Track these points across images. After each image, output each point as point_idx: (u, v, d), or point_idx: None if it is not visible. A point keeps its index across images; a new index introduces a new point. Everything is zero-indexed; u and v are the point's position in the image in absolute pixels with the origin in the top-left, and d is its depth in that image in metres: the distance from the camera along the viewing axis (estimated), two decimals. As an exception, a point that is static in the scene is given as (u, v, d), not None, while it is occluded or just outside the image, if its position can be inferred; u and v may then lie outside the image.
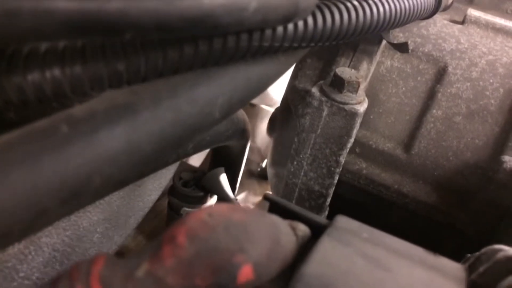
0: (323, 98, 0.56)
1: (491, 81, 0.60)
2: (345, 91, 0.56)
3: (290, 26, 0.35)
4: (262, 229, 0.26)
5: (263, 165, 1.11)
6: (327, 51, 0.65)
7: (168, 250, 0.23)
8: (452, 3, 0.69)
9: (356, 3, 0.40)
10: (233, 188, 0.71)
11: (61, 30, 0.22)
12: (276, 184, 0.73)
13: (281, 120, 0.72)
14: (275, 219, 0.29)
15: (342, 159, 0.59)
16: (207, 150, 0.87)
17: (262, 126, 1.05)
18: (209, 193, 0.69)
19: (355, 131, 0.58)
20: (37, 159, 0.23)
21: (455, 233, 0.60)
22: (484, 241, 0.53)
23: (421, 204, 0.61)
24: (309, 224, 0.35)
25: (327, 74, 0.62)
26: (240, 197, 1.05)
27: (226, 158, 0.71)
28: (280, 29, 0.34)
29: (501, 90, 0.59)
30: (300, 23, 0.35)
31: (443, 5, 0.61)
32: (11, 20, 0.21)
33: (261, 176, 1.11)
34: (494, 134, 0.58)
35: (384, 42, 0.62)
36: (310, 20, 0.36)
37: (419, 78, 0.62)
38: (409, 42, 0.61)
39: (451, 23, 0.66)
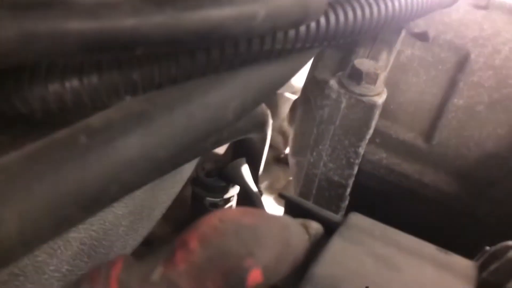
0: (341, 90, 0.56)
1: (514, 69, 0.58)
2: (363, 82, 0.56)
3: (302, 28, 0.35)
4: (272, 232, 0.27)
5: (287, 151, 1.12)
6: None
7: (181, 255, 0.25)
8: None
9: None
10: (255, 179, 0.72)
11: (75, 50, 0.23)
12: (297, 173, 0.74)
13: (300, 110, 0.72)
14: (286, 220, 0.30)
15: (362, 150, 0.60)
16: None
17: (284, 115, 1.06)
18: (231, 183, 0.70)
19: (374, 123, 0.58)
20: (58, 170, 0.25)
21: (475, 223, 0.59)
22: (505, 231, 0.53)
23: (442, 193, 0.61)
24: (323, 222, 0.36)
25: (347, 65, 0.62)
26: (264, 184, 1.07)
27: (247, 149, 0.72)
28: (292, 31, 0.34)
29: (525, 78, 0.58)
30: (313, 24, 0.36)
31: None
32: (28, 42, 0.22)
33: (286, 162, 1.12)
34: (517, 123, 0.57)
35: (404, 31, 0.62)
36: (322, 20, 0.36)
37: (440, 67, 0.61)
38: (429, 30, 0.60)
39: (474, 9, 0.64)
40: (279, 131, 1.08)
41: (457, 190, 0.59)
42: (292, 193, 0.67)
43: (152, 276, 0.24)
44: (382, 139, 0.63)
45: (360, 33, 0.40)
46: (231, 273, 0.25)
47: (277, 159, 1.11)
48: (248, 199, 0.68)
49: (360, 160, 0.60)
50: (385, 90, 0.58)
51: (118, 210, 0.47)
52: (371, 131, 0.58)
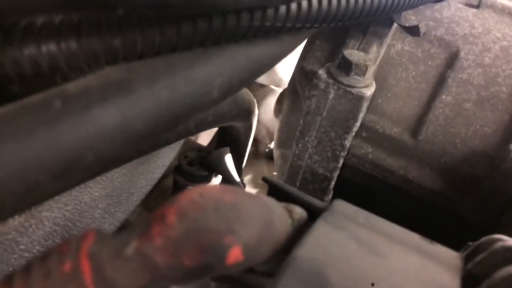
0: (330, 81, 0.55)
1: (503, 67, 0.58)
2: (352, 74, 0.55)
3: (293, 6, 0.34)
4: (253, 210, 0.26)
5: (271, 146, 1.11)
6: (337, 33, 0.64)
7: (158, 228, 0.23)
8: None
9: (364, -17, 0.39)
10: (238, 169, 0.71)
11: (53, 3, 0.22)
12: (282, 165, 0.73)
13: (288, 101, 0.71)
14: (269, 201, 0.29)
15: (348, 143, 0.59)
16: (215, 130, 0.87)
17: (271, 107, 1.05)
18: (214, 172, 0.69)
19: (361, 115, 0.57)
20: (29, 134, 0.23)
21: (459, 220, 0.59)
22: (487, 229, 0.53)
23: (426, 190, 0.60)
24: (307, 207, 0.35)
25: (336, 56, 0.61)
26: (248, 177, 1.06)
27: (231, 138, 0.71)
28: (282, 8, 0.33)
29: (514, 77, 0.58)
30: (304, 3, 0.35)
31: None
32: None
33: (269, 157, 1.11)
34: (504, 122, 0.57)
35: (395, 24, 0.61)
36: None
37: (429, 62, 0.61)
38: (420, 26, 0.60)
39: (466, 7, 0.64)
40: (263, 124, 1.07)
41: (441, 187, 0.59)
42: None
43: (126, 250, 0.23)
44: (368, 133, 0.62)
45: (353, 18, 0.39)
46: (209, 250, 0.23)
47: (261, 153, 1.10)
48: (231, 189, 0.67)
49: (345, 152, 0.60)
50: (373, 82, 0.57)
51: (95, 191, 0.46)
52: (358, 124, 0.58)
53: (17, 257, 0.39)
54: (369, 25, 0.61)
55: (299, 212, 0.33)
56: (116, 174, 0.48)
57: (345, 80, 0.55)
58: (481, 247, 0.34)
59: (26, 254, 0.40)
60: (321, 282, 0.26)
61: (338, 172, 0.61)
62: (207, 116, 0.50)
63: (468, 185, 0.58)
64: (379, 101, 0.62)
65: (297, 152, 0.62)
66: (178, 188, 0.71)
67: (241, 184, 0.69)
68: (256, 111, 0.68)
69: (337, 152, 0.60)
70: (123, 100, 0.26)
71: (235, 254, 0.24)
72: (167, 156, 0.56)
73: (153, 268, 0.23)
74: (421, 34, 0.60)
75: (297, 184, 0.64)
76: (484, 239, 0.35)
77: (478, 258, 0.32)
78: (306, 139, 0.60)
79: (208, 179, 0.69)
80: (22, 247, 0.40)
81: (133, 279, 0.23)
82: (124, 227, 0.57)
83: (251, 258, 0.25)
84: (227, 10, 0.30)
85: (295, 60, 0.67)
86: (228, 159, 0.66)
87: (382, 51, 0.62)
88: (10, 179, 0.22)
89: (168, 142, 0.46)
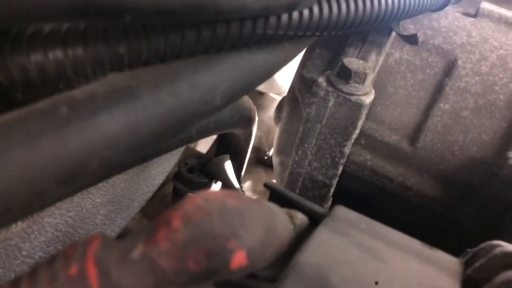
0: (330, 88, 0.56)
1: (500, 76, 0.59)
2: (352, 81, 0.56)
3: (295, 14, 0.34)
4: (257, 215, 0.26)
5: (270, 153, 1.11)
6: (336, 41, 0.65)
7: (163, 233, 0.24)
8: (465, -5, 0.68)
9: (363, -8, 0.40)
10: (238, 176, 0.71)
11: (62, 11, 0.22)
12: (281, 172, 0.73)
13: (287, 109, 0.72)
14: (272, 206, 0.29)
15: (347, 150, 0.59)
16: (214, 137, 0.88)
17: (270, 115, 1.05)
18: (213, 179, 0.69)
19: (360, 122, 0.58)
20: (36, 139, 0.23)
21: (458, 227, 0.59)
22: (486, 236, 0.53)
23: (425, 197, 0.60)
24: (308, 213, 0.35)
25: (335, 64, 0.61)
26: (247, 185, 1.06)
27: (231, 145, 0.71)
28: (285, 17, 0.34)
29: (511, 85, 0.58)
30: (306, 12, 0.35)
31: (455, -3, 0.60)
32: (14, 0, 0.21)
33: (268, 164, 1.11)
34: (501, 129, 0.57)
35: (393, 33, 0.62)
36: (315, 8, 0.36)
37: (428, 71, 0.62)
38: (419, 34, 0.60)
39: (463, 16, 0.65)
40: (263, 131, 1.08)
41: (440, 194, 0.59)
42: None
43: (132, 254, 0.23)
44: (367, 140, 0.63)
45: (353, 26, 0.40)
46: (214, 254, 0.24)
47: (260, 160, 1.11)
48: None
49: (345, 160, 0.60)
50: (372, 90, 0.58)
51: (97, 198, 0.46)
52: (357, 131, 0.58)
53: (20, 263, 0.39)
54: (368, 33, 0.62)
55: (301, 217, 0.33)
56: (118, 181, 0.48)
57: (344, 88, 0.55)
58: (480, 253, 0.34)
59: (28, 260, 0.40)
60: (324, 286, 0.26)
61: (337, 179, 0.62)
62: (208, 123, 0.50)
63: (466, 192, 0.58)
64: (378, 109, 0.62)
65: (296, 159, 0.62)
66: (177, 195, 0.71)
67: (240, 191, 0.69)
68: (256, 118, 0.68)
69: (337, 159, 0.60)
70: (129, 107, 0.27)
71: (239, 259, 0.24)
72: (167, 162, 0.57)
73: (159, 272, 0.23)
74: (419, 43, 0.61)
75: (297, 191, 0.64)
76: (483, 245, 0.35)
77: (477, 264, 0.32)
78: (305, 146, 0.60)
79: (208, 186, 0.69)
80: (24, 253, 0.40)
81: (138, 283, 0.23)
82: (123, 234, 0.57)
83: (255, 263, 0.26)
84: (231, 18, 0.30)
85: (294, 68, 0.68)
86: (228, 166, 0.67)
87: (381, 60, 0.62)
88: (17, 184, 0.23)
89: (169, 149, 0.47)
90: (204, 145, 1.03)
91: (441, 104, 0.60)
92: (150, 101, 0.28)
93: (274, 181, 0.89)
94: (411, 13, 0.47)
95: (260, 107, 1.05)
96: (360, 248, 0.30)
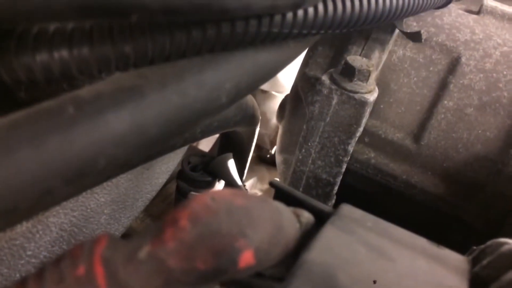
0: (333, 86, 0.56)
1: (504, 72, 0.59)
2: (355, 79, 0.56)
3: (300, 13, 0.34)
4: (264, 214, 0.26)
5: (273, 151, 1.11)
6: (339, 39, 0.65)
7: (170, 232, 0.24)
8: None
9: (368, -10, 0.39)
10: (241, 174, 0.71)
11: (68, 10, 0.22)
12: (284, 171, 0.73)
13: (290, 107, 0.72)
14: (278, 205, 0.29)
15: (351, 148, 0.59)
16: (217, 135, 0.88)
17: (273, 113, 1.05)
18: (217, 178, 0.69)
19: (364, 120, 0.57)
20: (43, 139, 0.23)
21: (463, 225, 0.59)
22: (491, 234, 0.53)
23: (429, 195, 0.60)
24: (314, 212, 0.35)
25: (338, 62, 0.61)
26: (249, 183, 1.06)
27: (234, 143, 0.71)
28: (290, 15, 0.34)
29: (515, 82, 0.58)
30: (311, 10, 0.35)
31: (458, -6, 0.60)
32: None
33: (271, 162, 1.11)
34: (506, 126, 0.57)
35: (397, 31, 0.62)
36: (320, 6, 0.36)
37: (431, 68, 0.61)
38: (422, 32, 0.60)
39: (466, 13, 0.65)
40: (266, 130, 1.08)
41: (444, 191, 0.59)
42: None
43: (139, 253, 0.23)
44: (371, 138, 0.63)
45: (357, 24, 0.40)
46: (222, 253, 0.23)
47: (262, 158, 1.10)
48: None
49: (348, 158, 0.60)
50: (376, 88, 0.58)
51: (101, 197, 0.46)
52: (361, 129, 0.58)
53: (24, 262, 0.39)
54: (371, 31, 0.62)
55: (307, 216, 0.33)
56: (122, 180, 0.48)
57: (348, 85, 0.55)
58: (487, 251, 0.34)
59: (33, 260, 0.40)
60: (332, 285, 0.26)
61: (341, 177, 0.62)
62: (213, 122, 0.50)
63: (471, 189, 0.58)
64: (382, 106, 0.62)
65: (300, 157, 0.62)
66: (181, 193, 0.71)
67: (244, 189, 0.69)
68: (259, 117, 0.68)
69: (340, 157, 0.60)
70: (135, 105, 0.27)
71: (247, 258, 0.24)
72: (171, 161, 0.57)
73: (166, 272, 0.23)
74: (422, 40, 0.60)
75: (300, 189, 0.64)
76: (490, 242, 0.35)
77: (485, 262, 0.32)
78: (309, 144, 0.60)
79: (211, 184, 0.69)
80: (29, 252, 0.40)
81: (146, 283, 0.23)
82: (127, 233, 0.57)
83: (262, 262, 0.26)
84: (237, 17, 0.30)
85: (296, 66, 0.68)
86: (231, 165, 0.67)
87: (384, 57, 0.62)
88: (24, 183, 0.23)
89: (174, 148, 0.47)
90: (206, 144, 1.03)
91: (445, 102, 0.60)
92: (157, 100, 0.28)
93: (277, 179, 0.89)
94: (415, 10, 0.47)
95: (262, 105, 1.05)
96: (367, 246, 0.29)
